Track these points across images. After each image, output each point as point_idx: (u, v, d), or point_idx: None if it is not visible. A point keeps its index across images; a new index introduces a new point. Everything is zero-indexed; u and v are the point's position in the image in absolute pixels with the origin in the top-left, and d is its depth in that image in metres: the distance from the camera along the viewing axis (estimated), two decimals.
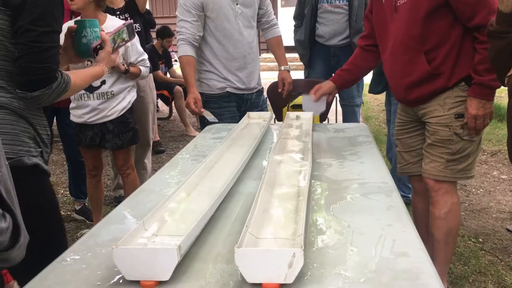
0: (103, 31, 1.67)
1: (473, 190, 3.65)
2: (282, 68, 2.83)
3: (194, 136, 5.59)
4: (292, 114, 2.32)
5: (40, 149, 1.43)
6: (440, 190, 2.00)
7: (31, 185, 1.38)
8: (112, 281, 0.95)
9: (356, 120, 3.87)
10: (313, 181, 1.49)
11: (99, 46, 1.63)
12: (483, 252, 2.63)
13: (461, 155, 1.95)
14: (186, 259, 1.01)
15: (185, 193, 1.31)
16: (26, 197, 1.14)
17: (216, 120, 2.48)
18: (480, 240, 2.78)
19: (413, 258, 0.99)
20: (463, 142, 1.94)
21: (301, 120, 2.24)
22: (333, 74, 3.79)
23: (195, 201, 1.27)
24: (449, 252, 2.07)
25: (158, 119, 5.96)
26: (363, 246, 1.05)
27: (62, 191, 3.82)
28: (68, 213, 3.52)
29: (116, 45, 1.72)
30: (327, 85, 2.31)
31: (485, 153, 4.55)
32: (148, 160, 3.76)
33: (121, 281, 0.94)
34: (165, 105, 6.48)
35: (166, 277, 0.92)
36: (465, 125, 1.91)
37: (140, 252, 0.92)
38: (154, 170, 4.39)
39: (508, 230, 2.89)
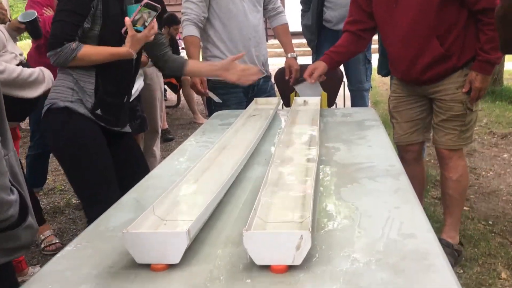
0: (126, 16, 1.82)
1: (483, 173, 3.64)
2: (289, 55, 2.82)
3: (203, 124, 5.64)
4: (299, 99, 2.32)
5: (79, 98, 1.84)
6: (454, 157, 2.30)
7: (66, 123, 1.83)
8: (123, 265, 0.97)
9: (365, 105, 3.85)
10: (321, 165, 1.49)
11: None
12: (493, 234, 2.62)
13: (470, 125, 2.26)
14: (196, 243, 1.02)
15: (193, 178, 1.32)
16: (63, 130, 1.84)
17: (220, 101, 2.50)
18: (490, 222, 2.77)
19: (420, 239, 0.99)
20: (472, 114, 2.23)
21: (308, 105, 2.24)
22: None
23: (203, 186, 1.29)
24: (462, 206, 2.47)
25: (167, 107, 5.98)
26: (370, 228, 1.06)
27: None
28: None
29: (142, 25, 1.80)
30: (321, 65, 2.43)
31: (495, 136, 4.52)
32: (157, 148, 3.78)
33: (132, 265, 0.96)
34: (173, 93, 6.49)
35: (176, 260, 0.94)
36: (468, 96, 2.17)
37: (150, 236, 0.93)
38: (163, 157, 4.41)
39: None
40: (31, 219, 0.93)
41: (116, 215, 1.24)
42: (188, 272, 0.93)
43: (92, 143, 1.86)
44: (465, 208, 2.97)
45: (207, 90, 2.49)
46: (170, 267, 0.94)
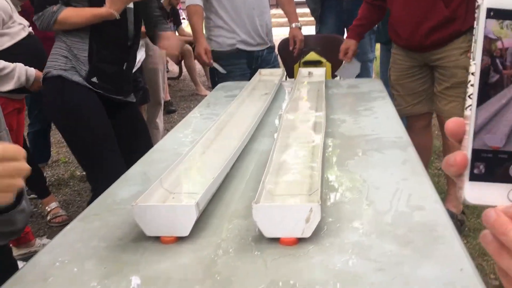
0: None
1: None
2: (293, 25, 2.78)
3: (205, 95, 5.60)
4: (304, 71, 2.29)
5: (73, 65, 1.80)
6: None
7: (60, 92, 1.82)
8: (132, 237, 0.98)
9: (369, 76, 3.81)
10: (327, 137, 1.48)
11: None
12: None
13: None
14: (204, 215, 1.02)
15: (200, 151, 1.32)
16: (57, 100, 1.83)
17: (224, 72, 2.48)
18: None
19: (429, 211, 0.99)
20: None
21: (313, 76, 2.22)
22: (345, 29, 3.74)
23: (210, 159, 1.28)
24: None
25: (168, 78, 5.93)
26: (378, 201, 1.06)
27: None
28: (84, 173, 3.57)
29: None
30: (352, 44, 2.54)
31: None
32: (160, 120, 3.77)
33: (141, 237, 0.96)
34: (175, 64, 6.42)
35: (185, 233, 0.94)
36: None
37: (159, 209, 0.93)
38: (166, 129, 4.40)
39: None
40: (24, 203, 0.92)
41: (123, 188, 1.24)
42: (197, 245, 0.93)
43: (87, 110, 1.85)
44: None
45: (212, 61, 2.47)
46: (180, 239, 0.95)
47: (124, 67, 1.94)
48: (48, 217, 2.86)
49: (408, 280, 0.77)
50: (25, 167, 0.66)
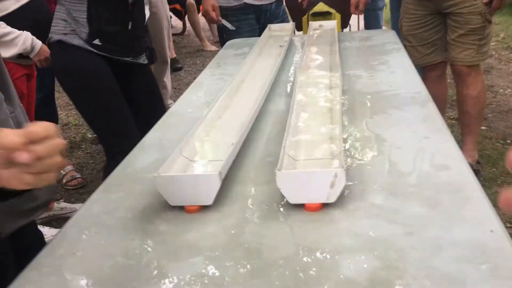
0: None
1: (501, 90, 3.57)
2: None
3: (211, 51, 5.53)
4: (314, 24, 2.23)
5: (72, 28, 1.76)
6: (473, 73, 2.28)
7: (61, 56, 1.80)
8: (156, 207, 0.98)
9: (379, 25, 3.71)
10: (343, 95, 1.45)
11: None
12: None
13: (487, 39, 2.23)
14: (226, 182, 1.01)
15: (216, 115, 1.30)
16: (59, 65, 1.83)
17: (233, 28, 2.42)
18: (508, 141, 2.76)
19: (454, 171, 0.98)
20: (490, 26, 2.19)
21: (324, 30, 2.15)
22: None
23: (227, 123, 1.27)
24: (480, 124, 2.51)
25: (172, 34, 5.82)
26: (401, 161, 1.04)
27: None
28: (95, 135, 3.58)
29: None
30: None
31: None
32: (168, 79, 3.73)
33: (165, 207, 0.96)
34: (178, 19, 6.29)
35: (209, 202, 0.94)
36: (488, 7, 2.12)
37: (182, 179, 0.93)
38: (174, 88, 4.37)
39: None
40: None
41: (141, 155, 1.23)
42: (222, 213, 0.93)
43: (88, 73, 1.81)
44: (482, 127, 2.95)
45: (220, 17, 2.40)
46: (204, 208, 0.95)
47: (129, 27, 1.86)
48: (64, 180, 2.89)
49: (438, 243, 0.77)
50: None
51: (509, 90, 3.55)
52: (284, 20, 2.69)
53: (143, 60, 2.00)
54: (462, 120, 2.46)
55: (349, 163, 1.06)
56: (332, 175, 0.87)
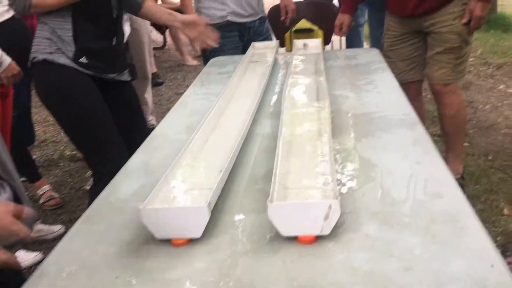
0: None
1: (480, 106, 3.61)
2: None
3: (192, 65, 5.48)
4: (299, 43, 2.21)
5: (58, 47, 1.71)
6: (449, 92, 2.27)
7: (47, 77, 1.75)
8: (141, 240, 0.93)
9: (360, 41, 3.74)
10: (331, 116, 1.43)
11: None
12: (493, 170, 2.64)
13: (464, 58, 2.23)
14: (213, 211, 0.97)
15: (202, 140, 1.26)
16: (45, 85, 1.76)
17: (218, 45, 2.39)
18: (490, 158, 2.78)
19: (448, 199, 0.96)
20: (467, 46, 2.20)
21: (309, 48, 2.14)
22: None
23: (214, 149, 1.23)
24: (462, 140, 2.46)
25: (153, 49, 5.77)
26: (394, 188, 1.02)
27: None
28: (73, 152, 3.50)
29: None
30: (345, 17, 2.49)
31: (491, 67, 4.46)
32: (149, 95, 3.68)
33: (151, 240, 0.92)
34: (159, 33, 6.24)
35: (197, 235, 0.90)
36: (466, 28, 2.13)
37: (169, 212, 0.89)
38: (155, 103, 4.31)
39: None
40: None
41: (125, 182, 1.18)
42: (211, 246, 0.89)
43: (77, 93, 1.76)
44: (464, 144, 2.97)
45: None
46: (192, 241, 0.90)
47: (113, 43, 1.83)
48: (41, 201, 2.80)
49: (439, 279, 0.74)
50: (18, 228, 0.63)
51: (488, 105, 3.60)
52: (267, 37, 2.68)
53: (127, 77, 1.97)
54: (444, 138, 2.47)
55: (341, 189, 1.03)
56: (326, 207, 0.84)
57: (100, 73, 1.81)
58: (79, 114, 1.77)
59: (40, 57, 1.72)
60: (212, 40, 1.96)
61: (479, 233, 0.84)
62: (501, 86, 3.98)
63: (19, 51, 1.99)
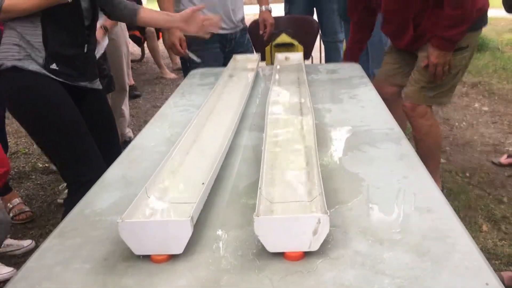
0: None
1: (456, 123, 3.66)
2: (263, 8, 2.68)
3: (170, 79, 5.43)
4: (280, 56, 2.20)
5: (27, 54, 1.64)
6: (417, 115, 2.26)
7: (16, 84, 1.66)
8: (118, 256, 0.88)
9: (339, 57, 3.75)
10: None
11: None
12: (471, 186, 2.65)
13: (434, 86, 2.19)
14: (196, 226, 0.93)
15: (183, 152, 1.21)
16: (14, 93, 1.68)
17: (199, 60, 2.35)
18: (467, 174, 2.80)
19: (438, 214, 0.94)
20: (451, 76, 2.16)
21: (291, 61, 2.13)
22: (315, 9, 3.66)
23: (195, 161, 1.19)
24: (436, 161, 2.41)
25: (131, 61, 5.70)
26: (382, 203, 0.99)
27: None
28: (46, 165, 3.39)
29: None
30: None
31: (466, 85, 4.54)
32: (126, 107, 3.61)
33: (129, 256, 0.87)
34: (137, 46, 6.18)
35: (179, 250, 0.85)
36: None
37: (149, 226, 0.83)
38: (132, 115, 4.24)
39: (493, 163, 2.92)
40: (1, 214, 0.81)
41: (102, 194, 1.13)
42: (193, 263, 0.84)
43: (49, 101, 1.68)
44: (442, 160, 2.99)
45: (187, 50, 2.33)
46: (172, 257, 0.86)
47: (85, 50, 1.77)
48: (11, 215, 2.68)
49: None
50: None
51: (464, 123, 3.65)
52: (248, 49, 2.66)
53: (98, 85, 1.91)
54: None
55: (329, 205, 0.99)
56: (315, 221, 0.81)
57: (71, 80, 1.75)
58: (57, 124, 1.69)
59: (9, 64, 1.63)
60: (216, 24, 1.94)
61: (472, 250, 0.82)
62: (476, 105, 4.05)
63: None
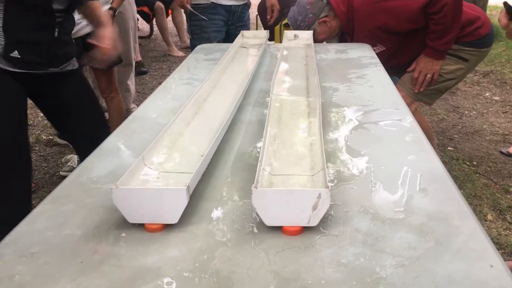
0: None
1: (466, 112, 3.60)
2: None
3: (178, 56, 5.38)
4: (289, 34, 2.15)
5: None
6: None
7: None
8: (111, 224, 0.85)
9: None
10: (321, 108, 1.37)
11: None
12: (477, 175, 2.61)
13: (428, 90, 2.25)
14: (193, 198, 0.90)
15: (183, 123, 1.18)
16: None
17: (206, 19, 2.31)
18: (475, 163, 2.76)
19: (443, 195, 0.90)
20: (444, 82, 2.24)
21: (300, 39, 2.08)
22: None
23: (195, 132, 1.15)
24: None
25: (139, 38, 5.64)
26: (387, 182, 0.96)
27: (41, 114, 3.64)
28: (50, 137, 3.38)
29: None
30: None
31: (477, 74, 4.46)
32: (131, 82, 3.57)
33: (122, 224, 0.84)
34: (145, 22, 6.12)
35: (174, 220, 0.82)
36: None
37: (144, 193, 0.81)
38: (138, 92, 4.20)
39: (501, 152, 2.87)
40: None
41: (98, 162, 1.10)
42: (188, 233, 0.82)
43: None
44: (449, 148, 2.95)
45: (190, 8, 2.30)
46: (167, 227, 0.83)
47: (55, 34, 1.61)
48: None
49: (434, 279, 0.68)
50: None
51: (474, 112, 3.59)
52: (246, 25, 2.64)
53: (72, 66, 1.77)
54: None
55: (331, 181, 0.96)
56: (316, 196, 0.78)
57: (35, 69, 1.61)
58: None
59: None
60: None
61: (477, 231, 0.79)
62: (487, 94, 3.98)
63: None
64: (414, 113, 2.29)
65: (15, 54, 1.52)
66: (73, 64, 1.78)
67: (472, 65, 2.24)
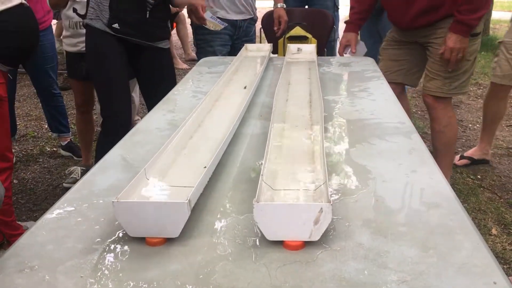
0: None
1: (470, 125, 3.59)
2: (278, 5, 2.66)
3: (182, 69, 5.40)
4: (293, 47, 2.16)
5: (97, 15, 2.08)
6: (439, 107, 2.28)
7: (88, 36, 2.17)
8: (113, 238, 0.85)
9: (334, 55, 3.69)
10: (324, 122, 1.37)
11: None
12: (482, 189, 2.60)
13: (458, 74, 2.18)
14: (194, 211, 0.90)
15: (186, 136, 1.18)
16: (86, 45, 2.20)
17: (223, 25, 2.33)
18: (479, 177, 2.74)
19: (446, 210, 0.90)
20: (463, 62, 2.15)
21: (303, 53, 2.09)
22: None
23: (198, 146, 1.15)
24: (450, 157, 2.45)
25: None
26: (388, 196, 0.96)
27: (45, 126, 3.66)
28: (54, 149, 3.39)
29: None
30: (352, 36, 2.42)
31: (481, 87, 4.46)
32: (136, 94, 3.58)
33: (123, 238, 0.84)
34: None
35: (175, 234, 0.82)
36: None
37: (145, 207, 0.81)
38: (142, 104, 4.22)
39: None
40: None
41: (101, 175, 1.10)
42: (189, 247, 0.82)
43: (97, 50, 2.10)
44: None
45: (206, 16, 2.31)
46: (168, 241, 0.83)
47: (147, 16, 2.10)
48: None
49: None
50: None
51: (477, 125, 3.58)
52: (252, 40, 2.66)
53: (164, 45, 2.27)
54: (433, 152, 2.42)
55: (333, 195, 0.96)
56: (317, 210, 0.77)
57: (130, 38, 2.11)
58: (98, 68, 2.13)
59: (85, 22, 2.13)
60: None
61: (480, 247, 0.78)
62: None
63: (24, 38, 1.87)
64: (451, 110, 2.32)
65: (116, 26, 2.09)
66: (165, 44, 2.29)
67: (481, 35, 2.22)
